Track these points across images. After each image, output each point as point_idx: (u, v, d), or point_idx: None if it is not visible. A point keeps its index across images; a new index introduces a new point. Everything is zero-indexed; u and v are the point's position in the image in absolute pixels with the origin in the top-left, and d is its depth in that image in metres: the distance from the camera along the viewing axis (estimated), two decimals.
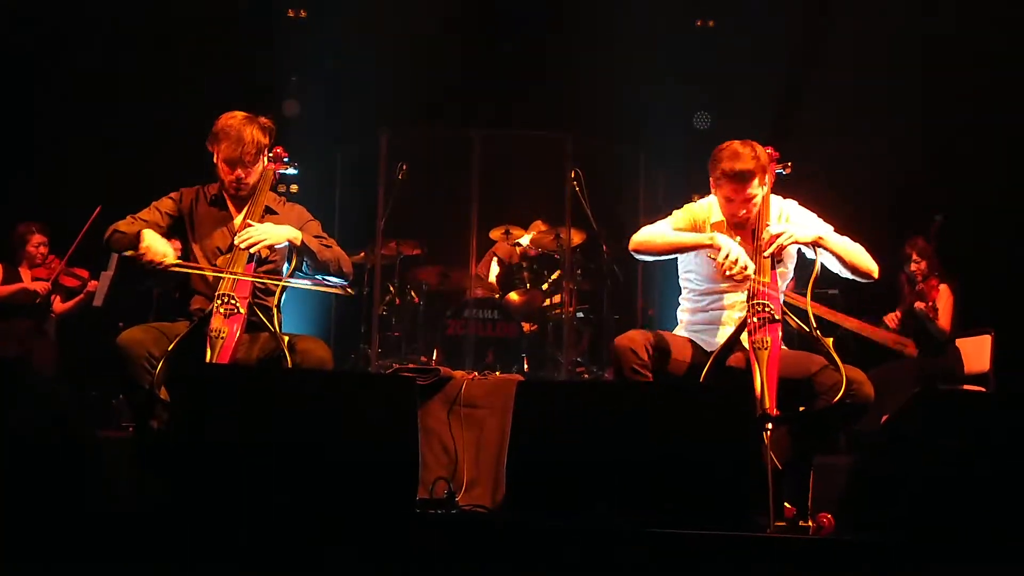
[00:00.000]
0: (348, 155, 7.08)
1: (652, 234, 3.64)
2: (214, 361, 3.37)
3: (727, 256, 3.40)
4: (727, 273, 3.41)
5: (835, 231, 3.59)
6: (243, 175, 3.71)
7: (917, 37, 6.49)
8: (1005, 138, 6.32)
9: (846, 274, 3.58)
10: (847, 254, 3.53)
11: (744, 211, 3.54)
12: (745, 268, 3.40)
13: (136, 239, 3.55)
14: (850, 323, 3.41)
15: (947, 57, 6.40)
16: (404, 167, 6.48)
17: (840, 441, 4.83)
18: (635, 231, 3.71)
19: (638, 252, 3.68)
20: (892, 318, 5.73)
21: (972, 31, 6.29)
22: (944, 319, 5.66)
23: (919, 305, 5.65)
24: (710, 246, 3.49)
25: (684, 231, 3.63)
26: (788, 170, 3.73)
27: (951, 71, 6.41)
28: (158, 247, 3.52)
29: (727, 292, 3.61)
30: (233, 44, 6.87)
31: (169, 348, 3.44)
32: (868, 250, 3.59)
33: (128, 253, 3.57)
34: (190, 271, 3.66)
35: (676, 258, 3.72)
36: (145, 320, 3.78)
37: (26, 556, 2.50)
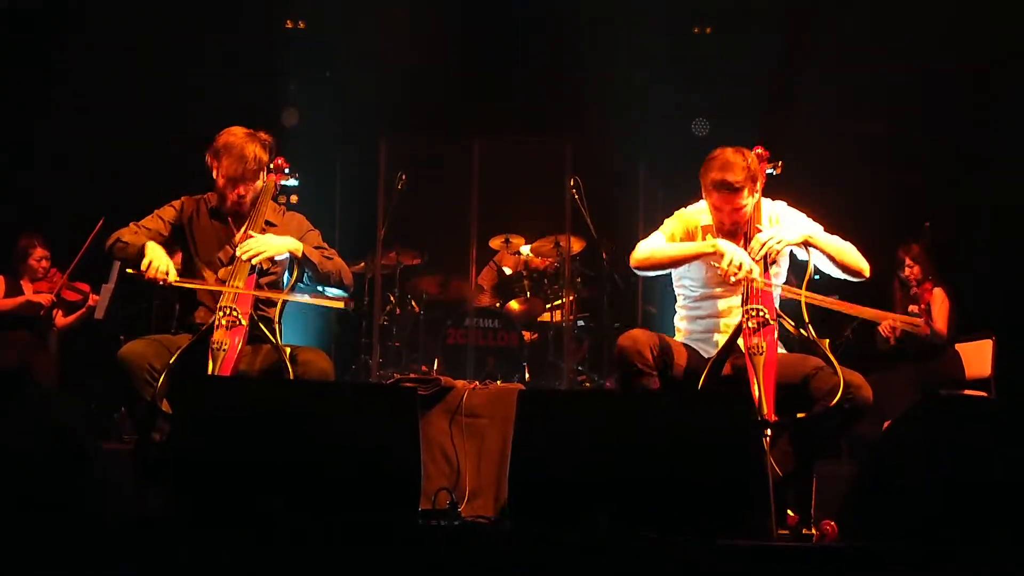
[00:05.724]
0: (347, 164, 7.08)
1: (652, 250, 3.62)
2: (216, 373, 3.38)
3: (731, 262, 3.40)
4: (732, 280, 3.40)
5: (825, 230, 3.58)
6: (243, 192, 3.72)
7: (913, 36, 6.49)
8: (1008, 139, 6.31)
9: (837, 273, 3.58)
10: (837, 252, 3.53)
11: (732, 220, 3.54)
12: (751, 272, 3.39)
13: (139, 253, 3.54)
14: (859, 311, 3.40)
15: (945, 57, 6.40)
16: (404, 177, 6.48)
17: (842, 448, 4.82)
18: (635, 238, 3.70)
19: (641, 269, 3.66)
20: (885, 327, 5.71)
21: (971, 29, 6.29)
22: (940, 322, 5.62)
23: (912, 310, 5.64)
24: (713, 253, 3.48)
25: (680, 240, 3.64)
26: (778, 170, 3.71)
27: (950, 71, 6.42)
28: (160, 264, 3.51)
29: (722, 296, 3.61)
30: (232, 55, 6.87)
31: (171, 361, 3.44)
32: (860, 250, 3.58)
33: (129, 271, 3.56)
34: (191, 287, 3.66)
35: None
36: (146, 333, 3.77)
37: (27, 569, 2.49)
